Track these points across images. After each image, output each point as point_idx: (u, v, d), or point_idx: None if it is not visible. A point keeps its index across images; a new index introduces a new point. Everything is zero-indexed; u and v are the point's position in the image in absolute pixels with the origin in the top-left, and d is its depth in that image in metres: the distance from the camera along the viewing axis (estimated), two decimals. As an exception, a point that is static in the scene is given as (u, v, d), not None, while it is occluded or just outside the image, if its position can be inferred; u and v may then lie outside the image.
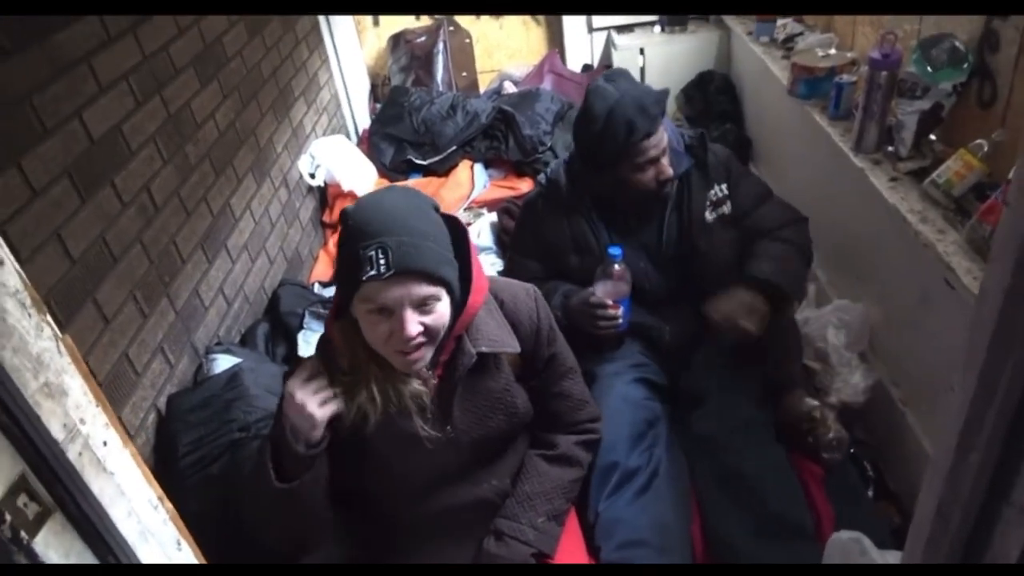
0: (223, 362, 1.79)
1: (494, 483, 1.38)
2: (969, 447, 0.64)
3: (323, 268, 2.82)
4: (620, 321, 1.66)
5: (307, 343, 1.98)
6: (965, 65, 1.66)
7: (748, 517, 1.45)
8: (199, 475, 1.61)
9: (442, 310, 1.17)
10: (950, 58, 1.69)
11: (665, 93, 1.68)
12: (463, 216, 3.02)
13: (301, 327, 2.05)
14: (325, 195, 3.09)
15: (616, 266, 1.63)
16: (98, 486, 0.75)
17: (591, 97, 1.65)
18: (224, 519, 1.46)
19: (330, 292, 2.53)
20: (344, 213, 1.15)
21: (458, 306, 1.22)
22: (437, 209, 1.21)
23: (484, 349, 1.26)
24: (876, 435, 1.76)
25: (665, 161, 1.66)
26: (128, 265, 1.61)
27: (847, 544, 1.33)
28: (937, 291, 1.53)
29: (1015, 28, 1.49)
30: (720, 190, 1.76)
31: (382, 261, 1.07)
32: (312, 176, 2.88)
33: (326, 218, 3.08)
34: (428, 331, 1.15)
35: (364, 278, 1.08)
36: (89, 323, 1.45)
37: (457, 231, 1.23)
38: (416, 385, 1.24)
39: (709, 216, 1.76)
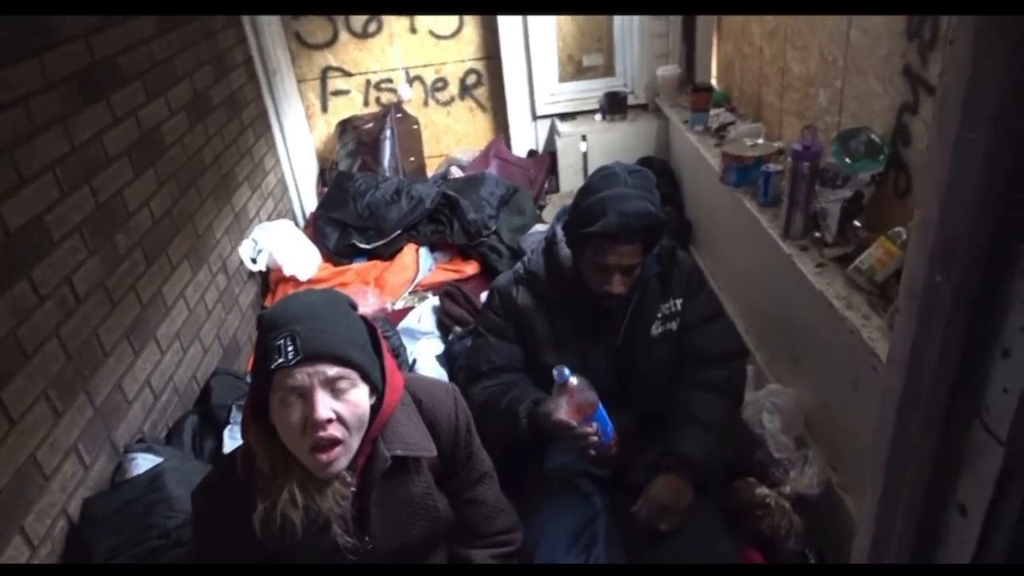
0: (144, 462, 1.69)
1: None
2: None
3: (263, 355, 2.74)
4: (596, 439, 1.49)
5: (233, 439, 1.89)
6: (881, 157, 1.74)
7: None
8: (115, 587, 1.51)
9: (357, 399, 1.13)
10: (867, 150, 1.77)
11: (660, 222, 1.58)
12: (408, 300, 3.01)
13: (228, 422, 1.96)
14: (267, 280, 3.05)
15: (572, 381, 1.50)
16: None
17: (608, 172, 1.61)
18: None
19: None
20: (259, 316, 1.13)
21: (374, 407, 1.18)
22: (354, 307, 1.21)
23: (399, 453, 1.21)
24: (817, 522, 1.74)
25: (618, 279, 1.59)
26: (42, 361, 1.53)
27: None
28: (866, 378, 1.54)
29: (924, 123, 1.57)
30: (674, 304, 1.72)
31: (290, 348, 1.07)
32: (253, 261, 2.84)
33: (267, 303, 3.02)
34: (343, 421, 1.11)
35: (273, 367, 1.07)
36: (-9, 426, 1.37)
37: (371, 331, 1.22)
38: (338, 485, 1.17)
39: (655, 330, 1.71)
